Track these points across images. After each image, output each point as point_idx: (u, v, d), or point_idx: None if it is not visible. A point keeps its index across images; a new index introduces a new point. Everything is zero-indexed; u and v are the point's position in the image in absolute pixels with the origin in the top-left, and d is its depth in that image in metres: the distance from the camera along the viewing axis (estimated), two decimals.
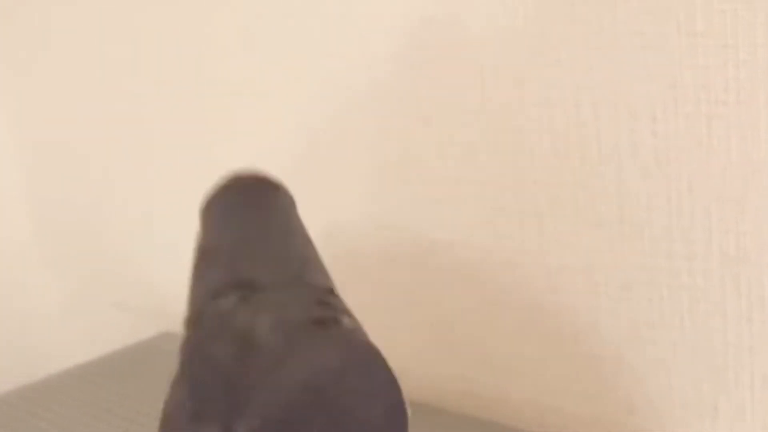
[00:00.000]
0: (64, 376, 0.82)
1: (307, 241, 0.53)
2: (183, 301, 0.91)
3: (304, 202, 0.78)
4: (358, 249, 0.77)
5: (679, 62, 0.57)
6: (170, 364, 0.81)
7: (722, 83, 0.56)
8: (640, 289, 0.62)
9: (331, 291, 0.49)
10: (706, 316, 0.59)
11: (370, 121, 0.73)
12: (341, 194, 0.77)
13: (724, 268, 0.58)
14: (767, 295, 0.57)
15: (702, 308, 0.59)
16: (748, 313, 0.58)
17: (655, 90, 0.58)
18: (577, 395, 0.67)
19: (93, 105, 0.97)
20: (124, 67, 0.92)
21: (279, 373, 0.43)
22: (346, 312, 0.48)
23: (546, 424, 0.69)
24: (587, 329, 0.65)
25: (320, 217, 0.79)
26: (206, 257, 0.51)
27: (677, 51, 0.57)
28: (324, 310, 0.46)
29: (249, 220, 0.53)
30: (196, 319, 0.47)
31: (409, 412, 0.49)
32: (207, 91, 0.85)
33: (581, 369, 0.66)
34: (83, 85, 0.97)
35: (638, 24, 0.58)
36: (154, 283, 0.96)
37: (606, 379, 0.65)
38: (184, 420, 0.43)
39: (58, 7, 0.96)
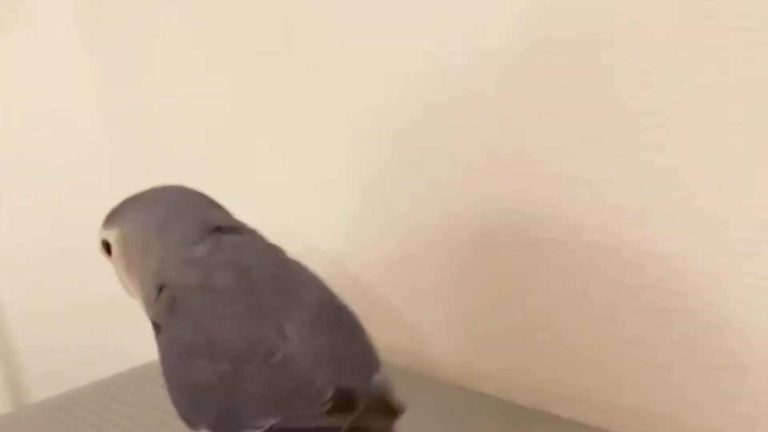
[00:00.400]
0: (148, 367, 0.81)
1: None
2: None
3: (416, 195, 0.77)
4: (468, 243, 0.75)
5: None
6: None
7: None
8: None
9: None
10: None
11: (486, 115, 0.72)
12: (454, 187, 0.75)
13: None
14: None
15: None
16: None
17: None
18: (694, 405, 0.65)
19: (189, 89, 0.96)
20: (214, 49, 0.92)
21: (289, 286, 0.54)
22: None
23: None
24: (711, 337, 0.63)
25: (432, 210, 0.77)
26: (167, 221, 0.57)
27: None
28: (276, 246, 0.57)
29: (171, 198, 0.59)
30: (179, 263, 0.55)
31: None
32: (312, 78, 0.84)
33: (701, 378, 0.64)
34: (180, 79, 0.97)
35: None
36: None
37: (727, 390, 0.63)
38: (229, 331, 0.52)
39: None
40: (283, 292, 0.53)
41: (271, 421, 0.50)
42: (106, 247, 0.60)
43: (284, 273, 0.55)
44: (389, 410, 0.51)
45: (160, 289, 0.55)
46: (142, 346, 1.01)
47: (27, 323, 1.03)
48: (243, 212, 0.59)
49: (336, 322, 0.54)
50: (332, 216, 0.85)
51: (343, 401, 0.50)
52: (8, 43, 0.93)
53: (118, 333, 1.05)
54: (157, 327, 0.55)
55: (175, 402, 0.54)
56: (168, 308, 0.54)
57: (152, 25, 0.99)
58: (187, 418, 0.53)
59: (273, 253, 0.56)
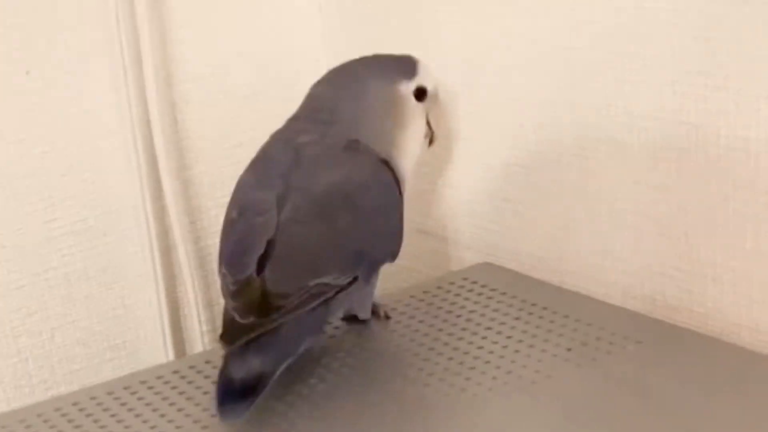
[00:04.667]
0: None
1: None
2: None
3: None
4: None
5: None
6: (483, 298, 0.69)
7: None
8: None
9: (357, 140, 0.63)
10: None
11: None
12: None
13: None
14: None
15: None
16: None
17: None
18: None
19: None
20: None
21: (318, 175, 0.60)
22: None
23: None
24: None
25: None
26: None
27: None
28: (352, 144, 0.62)
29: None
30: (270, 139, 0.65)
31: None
32: None
33: None
34: None
35: None
36: (475, 212, 0.79)
37: None
38: (248, 187, 0.62)
39: None
40: (309, 174, 0.60)
41: (223, 270, 0.59)
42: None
43: (323, 161, 0.61)
44: (262, 307, 0.55)
45: None
46: None
47: None
48: None
49: (322, 217, 0.59)
50: None
51: (237, 286, 0.57)
52: None
53: None
54: None
55: None
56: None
57: None
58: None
59: (334, 141, 0.62)
